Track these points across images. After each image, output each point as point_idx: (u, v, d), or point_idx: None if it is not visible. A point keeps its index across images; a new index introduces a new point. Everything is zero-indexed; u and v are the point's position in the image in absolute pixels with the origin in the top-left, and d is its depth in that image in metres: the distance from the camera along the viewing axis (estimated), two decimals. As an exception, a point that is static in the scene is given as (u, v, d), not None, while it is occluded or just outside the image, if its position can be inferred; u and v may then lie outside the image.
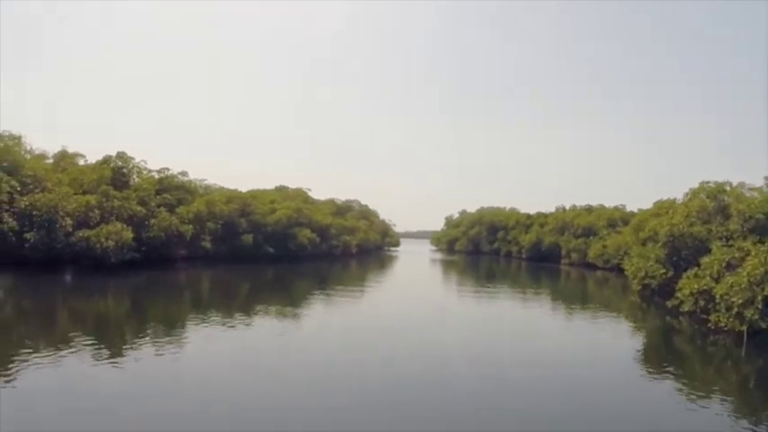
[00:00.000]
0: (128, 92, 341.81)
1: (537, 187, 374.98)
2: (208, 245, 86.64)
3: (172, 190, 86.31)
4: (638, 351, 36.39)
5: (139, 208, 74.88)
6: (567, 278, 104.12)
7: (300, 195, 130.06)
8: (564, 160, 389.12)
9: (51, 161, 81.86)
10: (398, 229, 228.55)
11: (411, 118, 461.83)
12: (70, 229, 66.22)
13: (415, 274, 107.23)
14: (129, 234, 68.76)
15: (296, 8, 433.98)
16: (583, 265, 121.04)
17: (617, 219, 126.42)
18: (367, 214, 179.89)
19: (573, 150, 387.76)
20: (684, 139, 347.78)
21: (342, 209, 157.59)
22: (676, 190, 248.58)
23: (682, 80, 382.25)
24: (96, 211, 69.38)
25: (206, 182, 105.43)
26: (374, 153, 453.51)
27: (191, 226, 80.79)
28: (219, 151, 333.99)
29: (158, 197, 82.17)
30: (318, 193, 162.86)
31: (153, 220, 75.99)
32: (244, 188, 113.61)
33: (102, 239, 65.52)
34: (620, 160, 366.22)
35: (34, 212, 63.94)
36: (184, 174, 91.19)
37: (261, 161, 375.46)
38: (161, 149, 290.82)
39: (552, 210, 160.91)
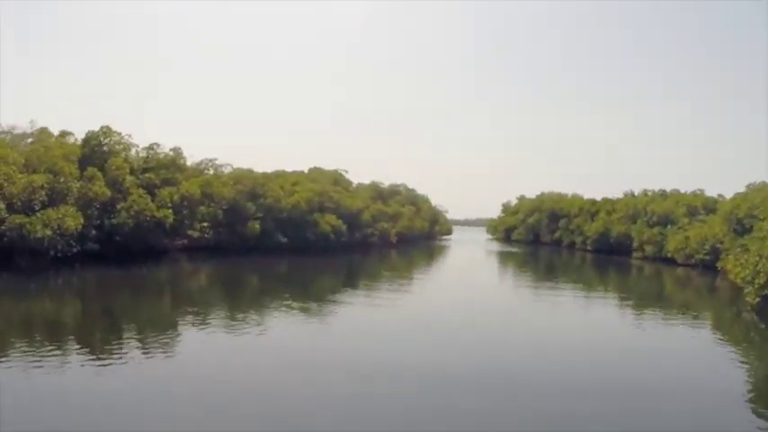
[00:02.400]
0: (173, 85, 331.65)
1: (600, 171, 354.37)
2: (196, 233, 71.92)
3: (159, 169, 71.69)
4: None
5: (104, 190, 60.27)
6: (641, 275, 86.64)
7: (333, 177, 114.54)
8: (628, 143, 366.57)
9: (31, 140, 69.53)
10: (455, 216, 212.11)
11: (468, 102, 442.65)
12: (5, 215, 51.92)
13: (465, 268, 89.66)
14: (75, 221, 54.24)
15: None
16: (659, 259, 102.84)
17: (698, 206, 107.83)
18: (415, 200, 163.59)
19: (638, 133, 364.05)
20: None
21: (385, 193, 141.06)
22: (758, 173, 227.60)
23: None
24: (42, 193, 54.83)
25: (218, 162, 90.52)
26: (428, 140, 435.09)
27: (171, 210, 65.90)
28: (269, 145, 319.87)
29: (140, 177, 67.86)
30: (363, 178, 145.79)
31: (121, 204, 61.41)
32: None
33: (39, 227, 50.96)
34: (687, 143, 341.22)
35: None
36: (177, 150, 76.12)
37: (312, 152, 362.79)
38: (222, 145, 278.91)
39: (620, 196, 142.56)
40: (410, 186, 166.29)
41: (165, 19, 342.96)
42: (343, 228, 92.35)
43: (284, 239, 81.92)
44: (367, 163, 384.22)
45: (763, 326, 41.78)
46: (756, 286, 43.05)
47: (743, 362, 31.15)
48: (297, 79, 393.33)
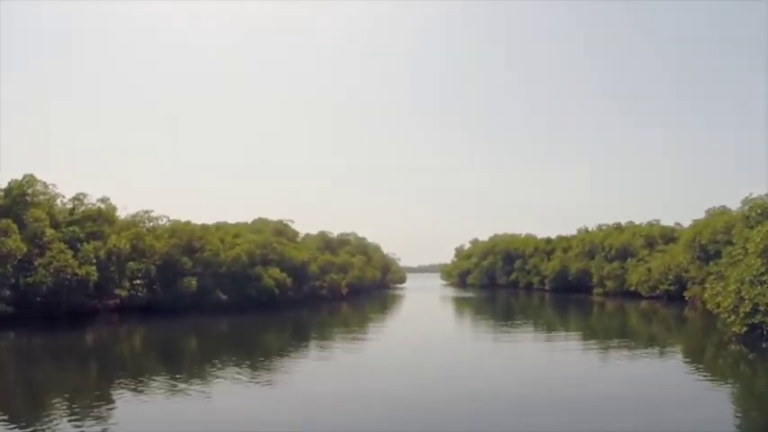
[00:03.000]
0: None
1: (550, 211, 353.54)
2: (124, 292, 65.95)
3: (85, 221, 65.97)
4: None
5: (20, 244, 54.36)
6: (604, 311, 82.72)
7: (277, 228, 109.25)
8: (576, 180, 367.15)
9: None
10: (409, 263, 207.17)
11: (417, 146, 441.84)
12: None
13: (421, 317, 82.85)
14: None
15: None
16: (620, 294, 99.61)
17: (656, 236, 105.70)
18: (365, 248, 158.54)
19: (585, 169, 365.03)
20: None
21: (333, 243, 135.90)
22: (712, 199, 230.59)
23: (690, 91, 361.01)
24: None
25: (153, 214, 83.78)
26: (379, 187, 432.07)
27: (95, 267, 59.98)
28: (217, 195, 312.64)
29: (64, 231, 62.06)
30: (311, 228, 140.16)
31: (38, 261, 55.48)
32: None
33: (-64, 291, 44.97)
34: (639, 175, 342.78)
35: None
36: (106, 200, 70.49)
37: (259, 203, 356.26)
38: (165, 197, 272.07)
39: (574, 233, 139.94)
40: (360, 235, 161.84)
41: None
42: (288, 281, 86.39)
43: (224, 296, 75.59)
44: (314, 212, 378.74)
45: (752, 356, 37.73)
46: (741, 315, 39.12)
47: (739, 400, 26.97)
48: (245, 125, 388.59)
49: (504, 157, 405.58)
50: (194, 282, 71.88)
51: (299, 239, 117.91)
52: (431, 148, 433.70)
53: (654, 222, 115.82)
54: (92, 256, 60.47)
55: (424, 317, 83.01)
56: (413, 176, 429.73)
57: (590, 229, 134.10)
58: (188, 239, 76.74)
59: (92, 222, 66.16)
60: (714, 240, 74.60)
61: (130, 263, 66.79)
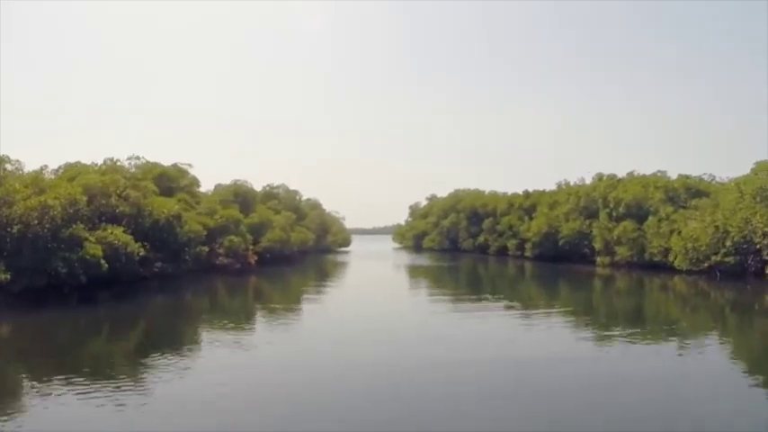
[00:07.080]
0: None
1: (518, 167, 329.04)
2: None
3: None
4: None
5: None
6: (628, 292, 54.11)
7: (168, 174, 78.41)
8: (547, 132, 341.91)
9: None
10: (361, 224, 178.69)
11: (371, 103, 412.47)
12: None
13: (361, 304, 50.39)
14: None
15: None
16: (638, 265, 71.29)
17: (678, 189, 77.00)
18: (298, 205, 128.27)
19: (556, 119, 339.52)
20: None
21: (252, 197, 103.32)
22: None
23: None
24: None
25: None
26: (330, 144, 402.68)
27: None
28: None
29: None
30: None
31: None
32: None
33: None
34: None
35: None
36: None
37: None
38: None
39: (552, 188, 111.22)
40: (292, 188, 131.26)
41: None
42: (136, 247, 53.78)
43: (6, 275, 43.05)
44: (264, 172, 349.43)
45: None
46: None
47: None
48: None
49: (464, 113, 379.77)
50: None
51: (200, 189, 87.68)
52: (390, 99, 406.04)
53: (660, 174, 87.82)
54: None
55: (366, 302, 52.55)
56: (367, 133, 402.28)
57: (572, 183, 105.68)
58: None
59: None
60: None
61: None
